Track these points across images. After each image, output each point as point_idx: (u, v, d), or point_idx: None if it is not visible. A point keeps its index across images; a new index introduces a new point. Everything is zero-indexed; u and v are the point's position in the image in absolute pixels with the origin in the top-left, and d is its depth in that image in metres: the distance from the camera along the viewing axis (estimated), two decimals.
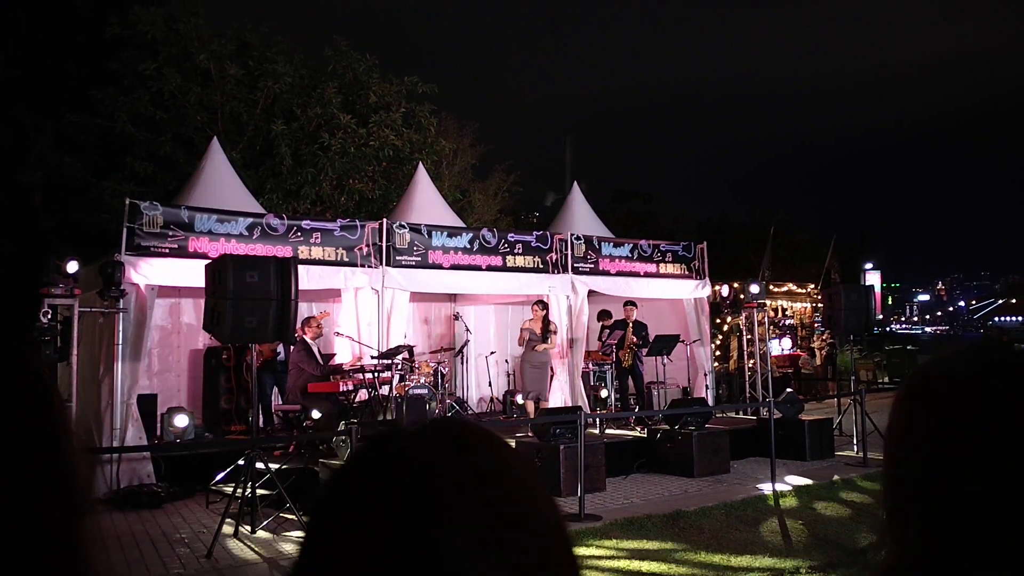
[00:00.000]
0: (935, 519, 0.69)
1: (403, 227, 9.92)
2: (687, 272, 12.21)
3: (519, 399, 11.82)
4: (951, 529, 0.69)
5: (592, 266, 11.21)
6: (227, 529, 6.34)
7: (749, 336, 13.02)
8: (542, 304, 10.49)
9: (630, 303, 11.36)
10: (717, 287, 12.73)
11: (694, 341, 12.06)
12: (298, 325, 9.12)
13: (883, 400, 16.39)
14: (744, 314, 12.74)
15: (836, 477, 8.72)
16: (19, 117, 14.41)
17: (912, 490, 0.72)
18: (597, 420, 10.40)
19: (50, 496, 0.65)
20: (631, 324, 11.27)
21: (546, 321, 10.42)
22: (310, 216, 11.53)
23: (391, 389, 9.20)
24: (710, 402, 11.47)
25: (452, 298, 13.26)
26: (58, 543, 0.64)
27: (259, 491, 6.70)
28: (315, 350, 9.45)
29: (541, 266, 10.79)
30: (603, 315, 12.12)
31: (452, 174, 18.97)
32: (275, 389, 10.20)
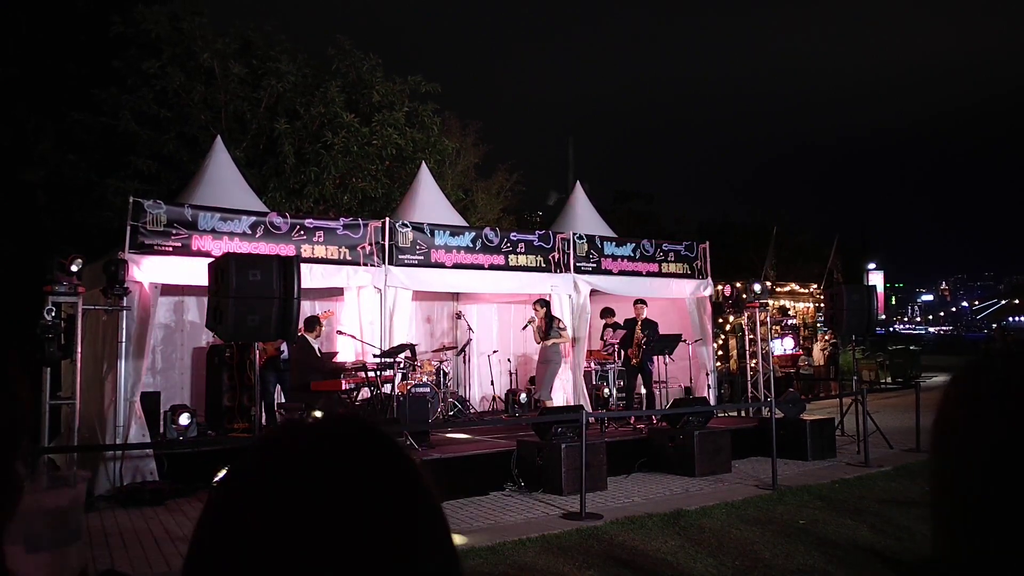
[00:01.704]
0: (989, 518, 0.67)
1: (406, 226, 9.94)
2: (689, 272, 12.22)
3: (522, 398, 11.85)
4: (1006, 529, 0.66)
5: (594, 265, 11.22)
6: None
7: (751, 336, 13.02)
8: (542, 302, 10.52)
9: (640, 301, 11.33)
10: (719, 287, 12.73)
11: (696, 341, 12.06)
12: (300, 325, 9.17)
13: (885, 401, 16.36)
14: (746, 314, 12.75)
15: (838, 477, 8.72)
16: (19, 117, 14.44)
17: (966, 487, 0.69)
18: (598, 419, 10.41)
19: None
20: (639, 322, 11.25)
21: (549, 318, 10.45)
22: (313, 215, 11.55)
23: (393, 388, 9.22)
24: (712, 402, 11.48)
25: (455, 297, 13.27)
26: None
27: None
28: (315, 348, 9.48)
29: (543, 265, 10.81)
30: (606, 313, 12.13)
31: (455, 173, 18.98)
32: (278, 387, 10.22)
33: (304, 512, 0.55)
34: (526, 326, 10.90)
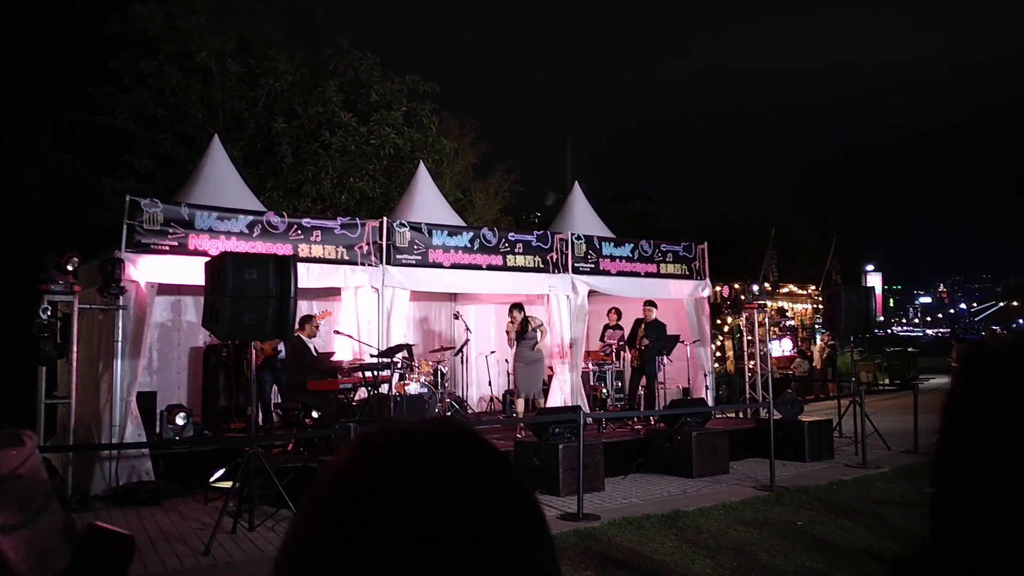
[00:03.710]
0: (993, 496, 0.66)
1: (403, 226, 9.91)
2: (687, 272, 12.20)
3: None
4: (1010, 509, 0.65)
5: (593, 266, 11.20)
6: (225, 526, 6.33)
7: (750, 337, 13.01)
8: (518, 307, 10.55)
9: (649, 303, 11.29)
10: (718, 288, 12.71)
11: (694, 341, 12.04)
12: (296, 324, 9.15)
13: (883, 402, 16.37)
14: (745, 315, 12.74)
15: (835, 478, 8.71)
16: (18, 115, 14.41)
17: (970, 466, 0.68)
18: (595, 419, 10.38)
19: None
20: (645, 324, 11.19)
21: (524, 322, 10.43)
22: (310, 214, 11.53)
23: (390, 388, 9.19)
24: (710, 403, 11.45)
25: (452, 297, 13.25)
26: None
27: (257, 489, 6.70)
28: (311, 347, 9.45)
29: (541, 266, 10.78)
30: (611, 311, 12.18)
31: (453, 173, 18.94)
32: (275, 387, 10.19)
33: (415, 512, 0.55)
34: (507, 328, 10.80)
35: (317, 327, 9.71)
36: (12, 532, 0.90)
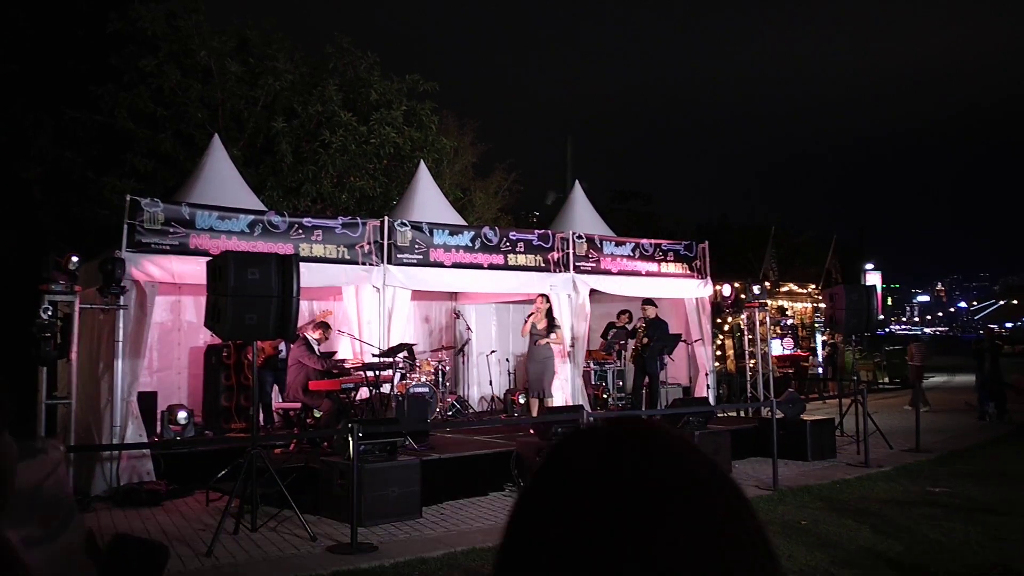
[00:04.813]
0: None
1: (404, 225, 9.89)
2: (689, 271, 12.18)
3: (520, 398, 11.76)
4: None
5: (594, 265, 11.17)
6: (227, 527, 6.31)
7: (751, 336, 13.00)
8: (545, 297, 10.32)
9: (648, 302, 11.23)
10: (718, 287, 12.70)
11: (695, 340, 12.03)
12: (306, 324, 9.16)
13: (883, 401, 16.39)
14: (745, 314, 12.73)
15: (838, 477, 8.70)
16: (18, 113, 14.37)
17: None
18: (598, 419, 10.33)
19: None
20: (647, 323, 11.14)
21: (550, 315, 10.28)
22: (311, 213, 11.50)
23: (392, 387, 9.17)
24: (711, 402, 11.43)
25: (453, 296, 13.23)
26: None
27: (259, 489, 6.67)
28: (316, 348, 9.43)
29: (543, 265, 10.76)
30: (622, 314, 12.13)
31: (453, 172, 18.92)
32: (275, 387, 10.16)
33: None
34: (529, 318, 10.47)
35: (327, 332, 9.68)
36: (36, 547, 0.87)
